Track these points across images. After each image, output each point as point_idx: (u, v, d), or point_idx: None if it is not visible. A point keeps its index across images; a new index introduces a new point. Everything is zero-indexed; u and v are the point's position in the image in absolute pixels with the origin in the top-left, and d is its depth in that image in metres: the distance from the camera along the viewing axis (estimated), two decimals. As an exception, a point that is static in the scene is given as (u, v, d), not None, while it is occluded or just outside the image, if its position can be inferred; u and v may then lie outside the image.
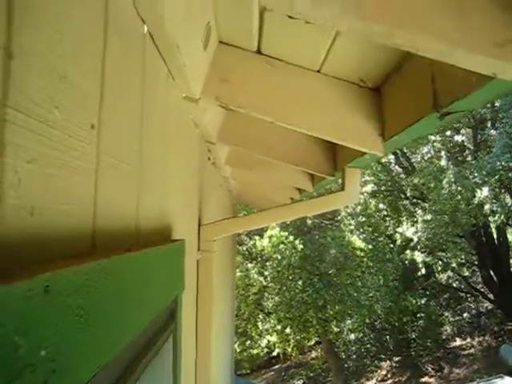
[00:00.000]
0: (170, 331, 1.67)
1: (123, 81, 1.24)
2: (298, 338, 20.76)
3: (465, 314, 22.64)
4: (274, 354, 23.97)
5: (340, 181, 3.05)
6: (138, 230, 1.36)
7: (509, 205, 17.11)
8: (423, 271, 21.56)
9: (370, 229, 19.95)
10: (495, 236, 20.48)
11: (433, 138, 19.36)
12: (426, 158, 21.12)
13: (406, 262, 19.15)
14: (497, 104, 16.84)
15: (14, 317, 0.59)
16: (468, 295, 22.81)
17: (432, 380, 20.15)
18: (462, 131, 19.38)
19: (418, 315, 20.45)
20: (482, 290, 21.68)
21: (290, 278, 17.90)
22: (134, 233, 1.34)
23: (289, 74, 2.19)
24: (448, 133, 18.59)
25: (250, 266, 19.23)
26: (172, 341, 1.70)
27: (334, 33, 1.87)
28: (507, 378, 13.28)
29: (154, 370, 1.43)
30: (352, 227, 20.57)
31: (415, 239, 17.72)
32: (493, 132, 18.21)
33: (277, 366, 25.16)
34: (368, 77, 2.12)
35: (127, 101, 1.30)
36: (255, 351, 22.84)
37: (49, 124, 0.80)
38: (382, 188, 20.76)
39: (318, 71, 2.19)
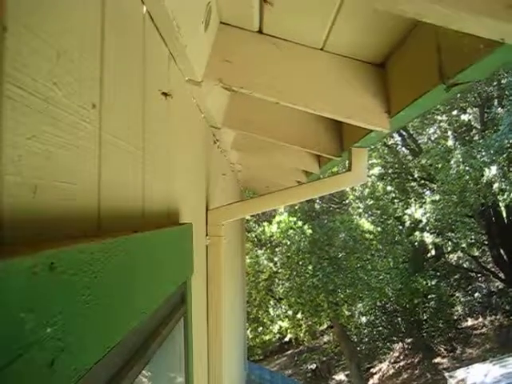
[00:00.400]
0: (181, 314, 1.66)
1: (123, 61, 1.22)
2: (310, 322, 20.81)
3: (476, 294, 22.62)
4: (286, 339, 24.10)
5: (347, 162, 3.02)
6: (144, 213, 1.35)
7: (518, 183, 16.99)
8: (433, 252, 21.55)
9: (379, 211, 19.90)
10: (504, 215, 20.39)
11: (439, 117, 19.24)
12: (432, 139, 21.00)
13: (416, 243, 19.11)
14: (503, 81, 16.67)
15: (19, 293, 0.58)
16: (479, 275, 22.76)
17: (445, 360, 20.19)
18: (469, 110, 19.22)
19: (429, 296, 20.43)
20: (493, 269, 21.64)
21: (300, 263, 17.91)
22: (141, 215, 1.33)
23: (292, 52, 2.16)
24: (454, 112, 18.44)
25: (259, 252, 19.26)
26: (183, 324, 1.70)
27: (335, 8, 1.84)
28: (520, 356, 13.30)
29: (165, 353, 1.42)
30: (360, 210, 20.52)
31: (424, 220, 17.65)
32: (500, 110, 18.04)
33: (289, 352, 25.31)
34: (372, 53, 2.09)
35: (128, 82, 1.28)
36: (267, 337, 22.94)
37: (49, 101, 0.78)
38: (390, 170, 20.68)
39: (321, 49, 2.16)
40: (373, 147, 20.37)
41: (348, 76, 2.14)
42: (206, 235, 2.92)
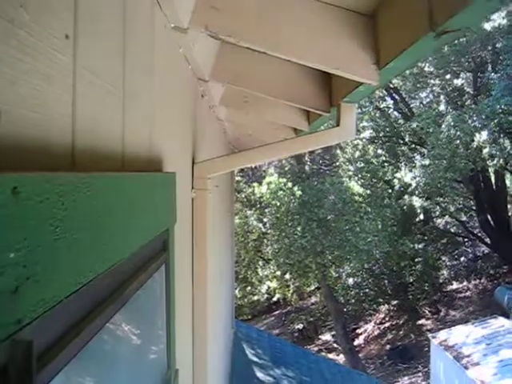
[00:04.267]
0: (162, 261, 1.66)
1: (101, -5, 1.18)
2: (298, 283, 21.07)
3: (462, 258, 22.95)
4: (274, 299, 24.40)
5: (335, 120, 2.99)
6: (123, 156, 1.32)
7: (508, 149, 17.05)
8: (421, 216, 21.69)
9: (369, 174, 19.96)
10: (493, 181, 20.51)
11: (432, 81, 19.13)
12: (424, 103, 20.92)
13: (404, 207, 19.23)
14: (498, 45, 16.53)
15: (-23, 213, 0.56)
16: (465, 240, 23.04)
17: (429, 322, 20.60)
18: (462, 75, 19.10)
19: (416, 260, 20.69)
20: (479, 234, 21.88)
21: (289, 224, 18.00)
22: (120, 157, 1.30)
23: (280, 1, 2.11)
24: (448, 76, 18.32)
25: (248, 212, 19.33)
26: (164, 271, 1.70)
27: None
28: (501, 318, 13.57)
29: (145, 298, 1.42)
30: (350, 173, 20.57)
31: (413, 184, 17.74)
32: (493, 75, 17.93)
33: (277, 312, 25.67)
34: (362, 2, 2.04)
35: (107, 20, 1.24)
36: (256, 297, 23.24)
37: (15, 24, 0.75)
38: (381, 134, 20.65)
39: (311, -3, 2.11)
40: (364, 110, 20.29)
41: (338, 26, 2.09)
42: (192, 188, 2.90)
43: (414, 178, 17.61)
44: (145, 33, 1.67)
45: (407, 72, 19.88)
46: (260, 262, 21.16)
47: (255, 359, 8.63)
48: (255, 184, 19.73)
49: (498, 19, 16.30)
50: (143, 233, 1.38)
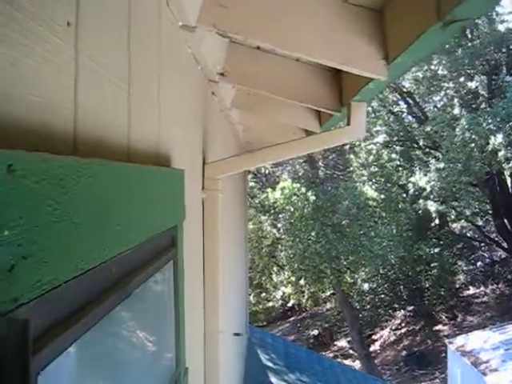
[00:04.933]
0: (171, 257, 1.65)
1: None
2: (313, 289, 20.99)
3: (478, 263, 22.71)
4: (289, 305, 24.30)
5: (346, 120, 2.99)
6: (129, 148, 1.32)
7: (524, 151, 16.87)
8: (437, 221, 21.50)
9: (383, 179, 19.84)
10: (509, 184, 20.28)
11: (446, 85, 19.02)
12: (438, 106, 20.78)
13: (420, 211, 19.08)
14: (512, 47, 16.40)
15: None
16: (482, 244, 22.78)
17: (445, 328, 20.39)
18: (476, 78, 18.95)
19: (432, 264, 20.49)
20: (496, 238, 21.63)
21: (303, 229, 17.94)
22: (125, 149, 1.30)
23: (288, -3, 2.10)
24: (461, 79, 18.19)
25: (262, 218, 19.30)
26: (173, 265, 1.69)
27: None
28: (519, 324, 13.40)
29: (152, 289, 1.41)
30: (364, 178, 20.47)
31: (428, 188, 17.59)
32: (508, 78, 17.79)
33: (292, 318, 25.57)
34: (370, -4, 2.03)
35: (111, 13, 1.24)
36: (270, 304, 23.17)
37: (14, 6, 0.75)
38: (395, 138, 20.53)
39: (319, -7, 2.10)
40: (378, 114, 20.23)
41: (345, 22, 2.09)
42: (203, 189, 2.90)
43: (429, 182, 17.46)
44: (151, 28, 1.68)
45: (420, 75, 19.81)
46: (274, 268, 21.10)
47: (269, 364, 8.58)
48: (269, 189, 19.72)
49: (512, 21, 16.20)
50: (149, 226, 1.38)
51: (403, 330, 21.87)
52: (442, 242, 20.84)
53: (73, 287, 0.83)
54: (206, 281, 2.90)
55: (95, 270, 0.93)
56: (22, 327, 0.64)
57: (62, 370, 0.86)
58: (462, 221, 22.21)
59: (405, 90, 21.09)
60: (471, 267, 22.47)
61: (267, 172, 22.12)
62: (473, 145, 15.65)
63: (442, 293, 21.10)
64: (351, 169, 21.68)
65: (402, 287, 22.06)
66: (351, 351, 21.34)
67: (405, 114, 21.79)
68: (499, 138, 15.31)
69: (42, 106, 0.84)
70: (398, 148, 20.72)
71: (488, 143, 15.37)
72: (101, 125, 1.13)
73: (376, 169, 20.16)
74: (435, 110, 20.88)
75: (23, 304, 0.65)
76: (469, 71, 17.94)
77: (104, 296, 1.01)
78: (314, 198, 17.97)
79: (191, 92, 2.67)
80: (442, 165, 17.03)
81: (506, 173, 19.11)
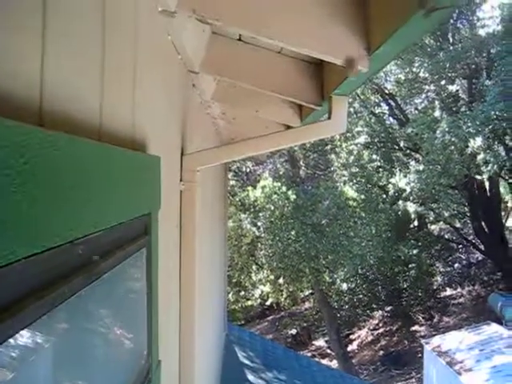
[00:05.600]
0: (143, 243, 1.61)
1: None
2: (291, 288, 21.00)
3: (456, 265, 22.95)
4: (268, 304, 24.29)
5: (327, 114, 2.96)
6: (100, 127, 1.27)
7: (502, 155, 17.06)
8: (415, 222, 21.68)
9: (363, 180, 19.94)
10: (487, 187, 20.51)
11: (427, 87, 19.16)
12: (419, 109, 20.95)
13: (399, 212, 19.21)
14: (492, 51, 16.57)
15: None
16: (459, 246, 23.04)
17: (422, 328, 20.57)
18: (457, 81, 19.12)
19: (410, 265, 20.66)
20: (474, 241, 21.87)
21: (283, 228, 17.96)
22: (96, 128, 1.25)
23: (270, -16, 2.07)
24: (442, 82, 18.34)
25: (242, 216, 19.26)
26: (146, 254, 1.64)
27: None
28: (494, 325, 13.55)
29: (121, 276, 1.37)
30: (345, 178, 20.54)
31: (408, 190, 17.71)
32: (488, 82, 17.96)
33: (270, 317, 25.59)
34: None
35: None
36: (249, 302, 23.14)
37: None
38: (376, 139, 20.63)
39: (300, -19, 2.07)
40: (359, 115, 20.32)
41: (327, 11, 2.06)
42: (181, 181, 2.85)
43: (409, 183, 17.58)
44: (128, 11, 1.63)
45: (402, 77, 19.96)
46: (253, 267, 21.07)
47: (247, 362, 8.55)
48: (250, 188, 19.70)
49: (493, 25, 16.37)
50: (121, 210, 1.33)
51: (381, 330, 22.01)
52: (420, 244, 21.00)
53: (32, 265, 0.79)
54: (182, 274, 2.85)
55: (58, 250, 0.89)
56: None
57: (11, 358, 0.81)
58: (441, 222, 22.43)
59: (386, 91, 21.24)
60: (448, 269, 22.70)
61: (248, 170, 22.10)
62: (452, 147, 15.79)
63: (420, 294, 21.28)
64: (332, 169, 21.76)
65: (380, 287, 22.21)
66: (329, 351, 21.42)
67: (386, 115, 21.94)
68: (478, 141, 15.46)
69: (4, 70, 0.80)
70: (378, 149, 20.83)
71: (467, 146, 15.52)
72: (69, 101, 1.08)
73: (357, 169, 20.25)
74: (416, 112, 21.07)
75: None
76: (450, 74, 18.09)
77: (68, 278, 0.96)
78: (294, 197, 17.99)
79: (170, 81, 2.62)
80: (421, 167, 17.18)
81: (485, 176, 19.28)
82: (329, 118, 2.87)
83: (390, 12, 1.77)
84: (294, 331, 23.27)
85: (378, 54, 1.94)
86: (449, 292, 22.06)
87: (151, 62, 2.02)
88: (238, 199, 20.03)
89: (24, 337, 0.83)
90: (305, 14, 2.08)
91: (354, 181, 20.31)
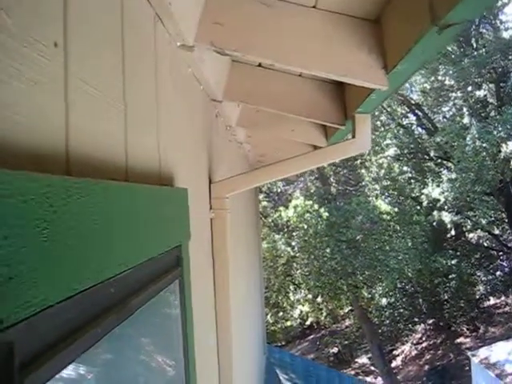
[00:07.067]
0: (176, 275, 1.63)
1: (92, 8, 1.18)
2: (330, 306, 20.84)
3: (498, 273, 22.44)
4: (308, 323, 24.12)
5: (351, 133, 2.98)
6: (127, 167, 1.31)
7: (536, 157, 16.72)
8: (452, 232, 21.34)
9: (395, 192, 19.79)
10: (524, 191, 20.10)
11: (454, 94, 18.99)
12: (447, 117, 20.74)
13: (434, 223, 18.96)
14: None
15: None
16: (500, 253, 22.54)
17: (467, 340, 20.09)
18: (484, 86, 18.91)
19: (450, 276, 20.29)
20: (514, 247, 21.42)
21: (318, 246, 17.89)
22: (123, 170, 1.29)
23: (284, 12, 2.10)
24: (469, 88, 18.16)
25: (276, 237, 19.26)
26: (178, 286, 1.67)
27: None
28: (542, 332, 13.17)
29: (155, 311, 1.39)
30: (377, 192, 20.41)
31: (442, 199, 17.49)
32: (517, 85, 17.75)
33: (311, 336, 25.36)
34: (365, 7, 2.02)
35: (101, 34, 1.24)
36: (288, 323, 23.02)
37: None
38: (405, 151, 20.49)
39: (314, 7, 2.10)
40: (387, 128, 20.22)
41: (342, 33, 2.08)
42: (210, 209, 2.89)
43: (442, 192, 17.37)
44: (147, 49, 1.68)
45: (428, 87, 19.82)
46: (291, 287, 21.00)
47: (289, 384, 8.49)
48: (281, 208, 19.70)
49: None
50: (151, 245, 1.36)
51: (424, 344, 21.59)
52: (458, 253, 20.66)
53: (65, 309, 0.82)
54: (216, 300, 2.87)
55: (91, 291, 0.92)
56: (6, 350, 0.63)
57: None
58: (479, 230, 22.03)
59: (413, 102, 21.12)
60: (490, 277, 22.21)
61: (279, 191, 22.14)
62: (484, 153, 15.57)
63: (462, 304, 20.86)
64: (363, 183, 21.65)
65: (420, 300, 21.85)
66: (372, 368, 21.09)
67: (414, 126, 21.79)
68: (510, 145, 15.21)
69: (29, 126, 0.84)
70: (409, 160, 20.66)
71: (500, 151, 15.29)
72: (95, 146, 1.13)
73: (388, 182, 20.13)
74: (444, 120, 20.87)
75: (9, 326, 0.63)
76: (476, 80, 17.92)
77: (101, 317, 0.99)
78: (327, 214, 17.94)
79: (194, 112, 2.67)
80: (454, 175, 16.97)
81: (520, 180, 18.95)
82: (353, 136, 2.88)
83: (403, 30, 1.79)
84: (335, 350, 23.02)
85: (395, 72, 1.95)
86: (492, 301, 21.56)
87: (173, 95, 2.06)
88: (270, 220, 20.06)
89: (62, 378, 0.85)
90: (321, 39, 2.11)
91: (386, 194, 20.18)
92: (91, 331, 0.92)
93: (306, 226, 18.11)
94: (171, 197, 1.67)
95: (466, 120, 18.38)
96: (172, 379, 1.74)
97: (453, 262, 19.84)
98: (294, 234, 18.96)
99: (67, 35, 1.00)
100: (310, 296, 20.21)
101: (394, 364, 21.24)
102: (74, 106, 1.02)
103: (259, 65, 3.14)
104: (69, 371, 0.87)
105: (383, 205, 19.60)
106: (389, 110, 20.61)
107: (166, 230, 1.56)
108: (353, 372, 21.02)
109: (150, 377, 1.56)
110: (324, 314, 21.65)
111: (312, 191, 20.62)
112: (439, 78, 19.01)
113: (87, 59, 1.11)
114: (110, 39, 1.30)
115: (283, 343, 24.11)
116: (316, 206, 18.38)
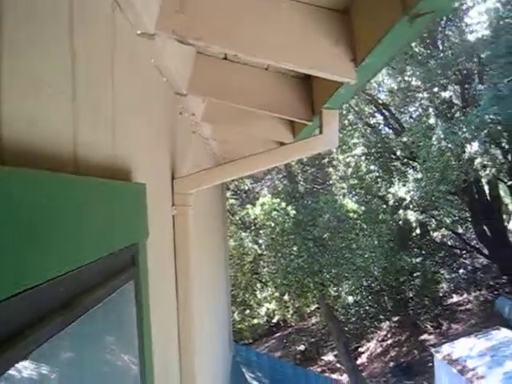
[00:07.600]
0: (131, 275, 1.54)
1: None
2: (297, 304, 20.87)
3: (461, 271, 22.83)
4: (274, 321, 24.13)
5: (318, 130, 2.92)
6: (76, 158, 1.21)
7: (499, 158, 17.07)
8: (417, 230, 21.61)
9: (362, 191, 19.92)
10: (487, 191, 20.49)
11: (420, 95, 19.21)
12: (414, 117, 20.99)
13: (400, 222, 19.15)
14: (483, 56, 16.63)
15: None
16: (463, 252, 22.95)
17: (431, 337, 20.37)
18: (450, 87, 19.17)
19: (415, 274, 20.55)
20: (477, 245, 21.79)
21: (285, 244, 17.88)
22: (71, 160, 1.19)
23: (248, 1, 2.02)
24: (435, 89, 18.39)
25: (243, 235, 19.19)
26: (134, 286, 1.57)
27: None
28: (503, 329, 13.42)
29: (106, 312, 1.30)
30: (344, 190, 20.53)
31: (408, 199, 17.67)
32: (480, 87, 18.03)
33: (278, 334, 25.39)
34: (334, -3, 1.96)
35: (48, 18, 1.14)
36: (255, 321, 22.99)
37: None
38: (373, 150, 20.63)
39: (282, -4, 2.02)
40: (355, 127, 20.35)
41: (310, 25, 2.01)
42: (173, 205, 2.79)
43: (408, 192, 17.55)
44: (102, 35, 1.58)
45: (395, 87, 20.01)
46: (258, 284, 20.95)
47: (255, 383, 8.43)
48: (249, 206, 19.62)
49: (481, 30, 16.45)
50: (104, 243, 1.27)
51: (389, 341, 21.81)
52: (423, 252, 20.94)
53: (4, 310, 0.73)
54: (178, 298, 2.78)
55: (34, 291, 0.83)
56: None
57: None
58: (443, 229, 22.37)
59: (380, 101, 21.29)
60: (454, 275, 22.57)
61: (247, 188, 22.08)
62: (449, 154, 15.80)
63: (426, 302, 21.14)
64: (330, 182, 21.75)
65: (386, 298, 22.07)
66: (338, 365, 21.21)
67: (381, 125, 21.97)
68: (475, 145, 15.47)
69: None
70: (376, 159, 20.82)
71: (464, 151, 15.53)
72: (34, 133, 1.02)
73: (355, 181, 20.25)
74: (411, 120, 21.09)
75: None
76: (442, 81, 18.14)
77: (48, 318, 0.90)
78: (294, 212, 17.93)
79: (156, 105, 2.57)
80: (419, 175, 17.17)
81: (483, 180, 19.30)
82: (320, 132, 2.82)
83: (374, 21, 1.72)
84: (302, 347, 23.10)
85: (364, 65, 1.89)
86: (455, 298, 21.91)
87: (132, 86, 1.96)
88: (237, 218, 19.98)
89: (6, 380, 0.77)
90: (288, 30, 2.03)
91: (354, 193, 20.31)
92: (38, 331, 0.84)
93: (273, 224, 18.07)
94: (126, 192, 1.57)
95: (431, 120, 18.58)
96: (125, 381, 1.64)
97: (417, 260, 20.09)
98: (261, 231, 18.92)
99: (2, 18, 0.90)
100: (276, 294, 20.17)
101: (359, 361, 21.41)
102: (7, 90, 0.91)
103: (225, 58, 3.05)
104: (14, 371, 0.78)
105: (350, 203, 19.69)
106: (356, 109, 20.72)
107: (120, 228, 1.46)
108: (319, 369, 21.11)
109: (103, 378, 1.47)
110: (291, 311, 21.65)
111: (279, 189, 20.61)
112: (406, 78, 19.19)
113: (25, 43, 1.01)
114: (58, 26, 1.19)
115: (250, 341, 24.08)
116: (283, 204, 18.34)
